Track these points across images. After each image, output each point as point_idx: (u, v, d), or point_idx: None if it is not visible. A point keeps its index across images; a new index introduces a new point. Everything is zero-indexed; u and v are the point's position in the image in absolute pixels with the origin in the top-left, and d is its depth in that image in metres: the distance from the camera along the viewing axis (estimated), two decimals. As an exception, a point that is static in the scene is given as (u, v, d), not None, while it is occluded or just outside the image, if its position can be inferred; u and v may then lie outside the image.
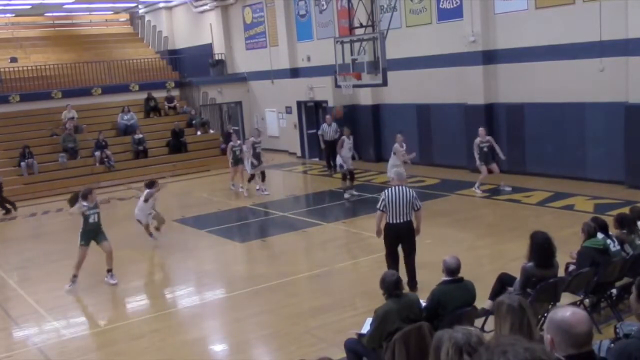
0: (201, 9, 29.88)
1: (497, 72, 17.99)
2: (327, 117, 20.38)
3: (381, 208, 9.28)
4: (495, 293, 7.31)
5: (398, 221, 9.23)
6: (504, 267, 8.68)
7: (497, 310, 4.30)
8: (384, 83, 15.95)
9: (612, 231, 8.16)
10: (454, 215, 14.27)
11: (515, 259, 7.54)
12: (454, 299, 6.54)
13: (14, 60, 27.23)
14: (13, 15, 30.67)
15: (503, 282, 7.62)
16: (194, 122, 25.46)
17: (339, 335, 7.51)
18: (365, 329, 6.62)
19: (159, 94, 26.20)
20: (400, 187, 9.33)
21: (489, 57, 17.98)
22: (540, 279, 7.09)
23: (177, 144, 23.98)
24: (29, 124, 23.70)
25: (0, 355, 8.64)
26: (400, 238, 9.38)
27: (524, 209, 14.25)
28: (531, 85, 17.04)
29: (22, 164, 21.38)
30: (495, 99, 18.15)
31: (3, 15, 30.41)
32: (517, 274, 7.55)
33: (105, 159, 22.42)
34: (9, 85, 24.93)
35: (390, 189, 9.35)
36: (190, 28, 31.65)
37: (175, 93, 27.01)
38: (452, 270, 6.70)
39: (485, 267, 10.36)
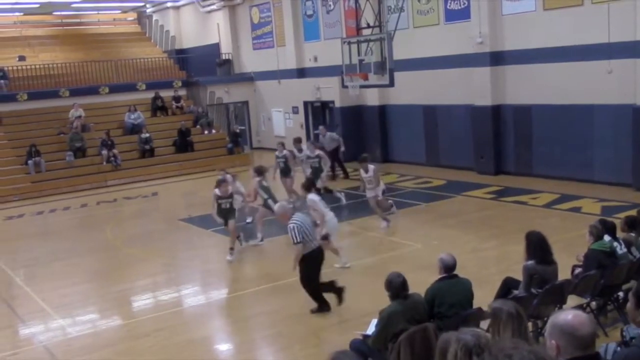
0: (208, 8, 29.93)
1: (505, 73, 17.93)
2: (321, 127, 20.18)
3: (301, 239, 8.68)
4: (501, 297, 7.29)
5: (317, 244, 9.05)
6: (509, 269, 8.66)
7: (496, 316, 4.34)
8: (391, 84, 15.93)
9: (620, 234, 8.13)
10: (460, 216, 14.23)
11: (521, 261, 7.53)
12: (449, 295, 6.56)
13: (22, 58, 27.34)
14: (22, 13, 30.77)
15: (508, 286, 7.60)
16: (200, 121, 25.49)
17: (344, 336, 7.50)
18: (371, 330, 6.61)
19: (165, 93, 26.26)
20: (299, 213, 9.19)
21: (496, 59, 17.93)
22: (542, 275, 7.11)
23: (183, 144, 24.01)
24: (36, 122, 23.78)
25: (6, 353, 8.68)
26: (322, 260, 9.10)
27: (531, 210, 14.21)
28: (539, 86, 16.99)
29: (30, 162, 21.45)
30: (503, 101, 18.10)
31: (12, 14, 30.52)
32: (521, 277, 7.54)
33: (112, 158, 22.48)
34: (17, 83, 25.06)
35: (294, 217, 8.86)
36: (197, 28, 31.71)
37: (182, 92, 27.06)
38: (450, 267, 6.72)
39: (490, 269, 10.33)
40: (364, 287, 10.07)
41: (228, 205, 12.28)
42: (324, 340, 8.14)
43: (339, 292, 9.11)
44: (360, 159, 13.78)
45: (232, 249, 12.13)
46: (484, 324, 6.86)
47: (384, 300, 6.63)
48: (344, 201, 15.86)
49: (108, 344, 8.77)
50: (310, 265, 8.83)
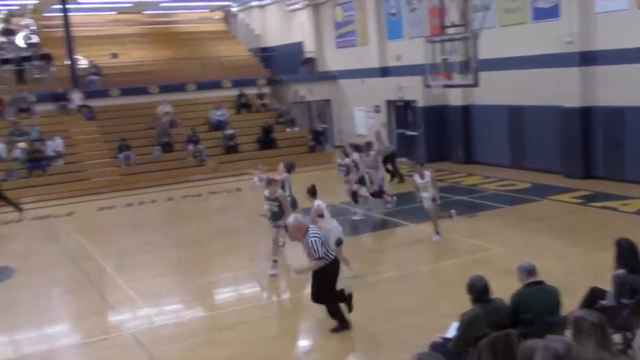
0: (293, 7, 30.27)
1: (595, 74, 17.30)
2: (376, 131, 19.95)
3: (322, 255, 8.30)
4: (586, 307, 7.07)
5: (334, 255, 8.64)
6: (596, 277, 8.39)
7: (578, 327, 4.22)
8: (475, 84, 15.69)
9: None
10: (545, 221, 13.87)
11: (609, 270, 7.28)
12: (535, 302, 6.40)
13: (114, 56, 28.46)
14: (116, 12, 32.03)
15: (595, 296, 7.36)
16: (283, 118, 25.90)
17: (422, 337, 7.46)
18: (451, 333, 6.56)
19: (250, 91, 26.78)
20: (313, 226, 8.82)
21: (586, 59, 17.33)
22: (632, 285, 6.85)
23: (266, 140, 24.43)
24: (127, 117, 24.73)
25: (96, 338, 9.10)
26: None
27: (621, 217, 13.68)
28: (632, 88, 16.30)
29: (120, 155, 22.35)
30: (592, 102, 17.48)
31: (106, 13, 31.83)
32: (610, 286, 7.29)
33: (198, 154, 23.12)
34: (110, 79, 26.15)
35: (313, 231, 8.50)
36: (281, 26, 32.12)
37: (266, 90, 27.52)
38: (530, 271, 6.56)
39: (576, 275, 10.03)
40: (444, 289, 10.02)
41: (276, 209, 11.37)
42: (404, 342, 8.11)
43: (347, 300, 8.74)
44: (417, 162, 13.39)
45: (275, 260, 11.37)
46: (568, 333, 6.71)
47: (465, 304, 6.57)
48: (357, 216, 15.18)
49: (192, 334, 9.04)
50: (328, 278, 8.52)
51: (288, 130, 25.69)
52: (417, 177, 12.97)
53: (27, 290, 11.46)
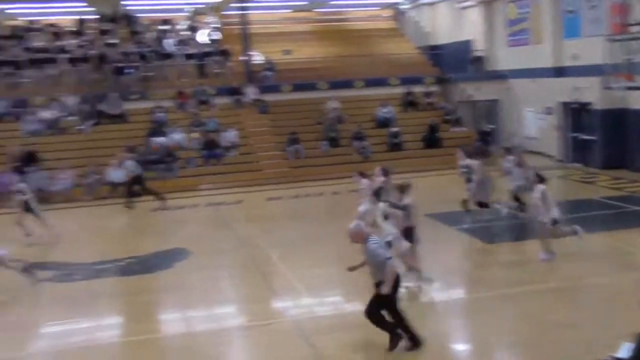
0: (464, 5, 29.77)
1: None
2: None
3: (390, 255, 8.19)
4: None
5: None
6: None
7: None
8: (662, 86, 14.62)
9: None
10: None
11: None
12: None
13: (287, 52, 29.56)
14: (290, 10, 33.25)
15: None
16: (449, 117, 25.58)
17: (587, 354, 7.14)
18: (623, 353, 6.21)
19: (417, 89, 26.72)
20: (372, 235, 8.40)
21: None
22: None
23: (431, 139, 24.25)
24: (297, 112, 25.65)
25: (260, 322, 9.63)
26: None
27: None
28: None
29: (289, 148, 23.24)
30: None
31: (281, 11, 33.16)
32: None
33: (363, 150, 23.46)
34: (283, 75, 27.25)
35: (372, 238, 8.22)
36: (451, 24, 31.67)
37: (434, 88, 27.31)
38: None
39: None
40: (616, 305, 9.45)
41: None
42: (566, 356, 7.77)
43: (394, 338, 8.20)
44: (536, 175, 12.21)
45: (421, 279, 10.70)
46: None
47: (638, 323, 6.19)
48: (503, 213, 14.56)
49: (350, 327, 9.19)
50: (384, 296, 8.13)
51: (453, 129, 25.32)
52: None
53: (200, 272, 12.32)
